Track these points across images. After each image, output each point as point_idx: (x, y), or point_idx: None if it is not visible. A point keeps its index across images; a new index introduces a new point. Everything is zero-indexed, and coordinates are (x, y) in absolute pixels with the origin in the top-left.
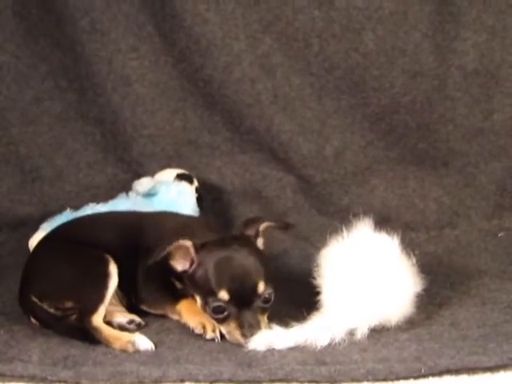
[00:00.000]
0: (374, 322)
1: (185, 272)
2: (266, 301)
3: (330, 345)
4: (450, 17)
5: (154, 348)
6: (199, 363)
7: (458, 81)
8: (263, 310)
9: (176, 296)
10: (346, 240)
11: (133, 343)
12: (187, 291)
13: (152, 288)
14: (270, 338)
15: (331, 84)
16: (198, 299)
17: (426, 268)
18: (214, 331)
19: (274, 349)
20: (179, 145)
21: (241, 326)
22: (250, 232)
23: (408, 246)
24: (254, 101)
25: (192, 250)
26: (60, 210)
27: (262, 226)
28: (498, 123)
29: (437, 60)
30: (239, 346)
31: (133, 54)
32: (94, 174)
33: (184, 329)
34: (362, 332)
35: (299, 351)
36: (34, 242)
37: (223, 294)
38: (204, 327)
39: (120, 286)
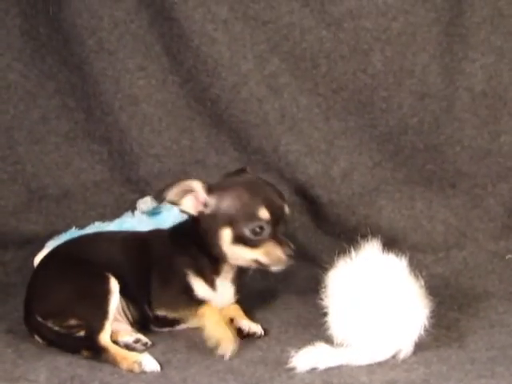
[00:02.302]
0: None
1: (201, 213)
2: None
3: (337, 367)
4: (458, 38)
5: (159, 369)
6: None
7: (465, 102)
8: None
9: (193, 303)
10: (354, 261)
11: (139, 364)
12: (203, 301)
13: (171, 291)
14: (314, 357)
15: (339, 105)
16: (227, 233)
17: (434, 290)
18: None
19: (315, 368)
20: (186, 164)
21: (280, 244)
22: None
23: (415, 267)
24: (261, 121)
25: (203, 191)
26: (66, 229)
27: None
28: (505, 145)
29: (445, 81)
30: (279, 263)
31: (140, 73)
32: (101, 193)
33: (191, 348)
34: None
35: (306, 373)
36: (39, 260)
37: (263, 213)
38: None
39: (129, 300)
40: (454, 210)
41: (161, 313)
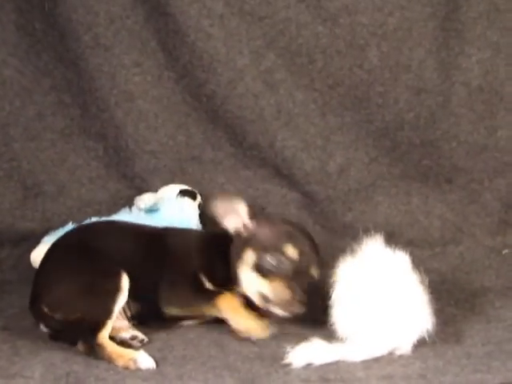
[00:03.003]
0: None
1: (238, 233)
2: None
3: (333, 362)
4: (455, 33)
5: (155, 367)
6: (202, 380)
7: (462, 97)
8: None
9: (207, 295)
10: (357, 256)
11: (135, 361)
12: (218, 291)
13: (183, 289)
14: (309, 353)
15: (335, 100)
16: (250, 256)
17: (430, 285)
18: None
19: (311, 364)
20: (182, 160)
21: (292, 289)
22: None
23: (412, 262)
24: (257, 116)
25: (247, 215)
26: (62, 226)
27: None
28: (502, 140)
29: (441, 76)
30: (285, 305)
31: (136, 69)
32: (97, 190)
33: (187, 345)
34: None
35: (303, 368)
36: (35, 256)
37: (290, 250)
38: (251, 328)
39: (131, 295)
40: (450, 206)
41: (170, 312)
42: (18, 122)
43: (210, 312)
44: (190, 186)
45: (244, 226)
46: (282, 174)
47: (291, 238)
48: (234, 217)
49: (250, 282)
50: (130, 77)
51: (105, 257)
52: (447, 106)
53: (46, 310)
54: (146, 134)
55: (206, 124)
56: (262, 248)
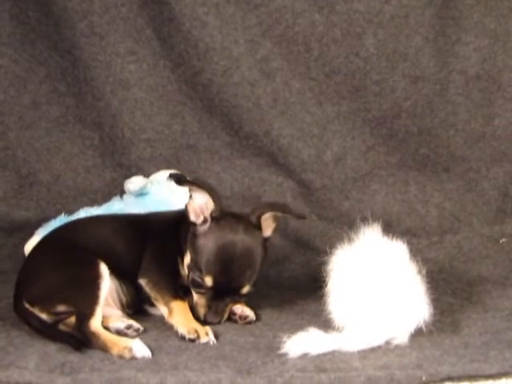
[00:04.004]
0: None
1: (194, 225)
2: (241, 297)
3: (330, 352)
4: (452, 21)
5: (150, 355)
6: (198, 370)
7: (459, 85)
8: (235, 301)
9: (174, 290)
10: (355, 245)
11: (130, 349)
12: (187, 284)
13: (160, 268)
14: (305, 343)
15: (331, 88)
16: (188, 257)
17: (427, 274)
18: (207, 334)
19: (307, 354)
20: (178, 149)
21: (208, 308)
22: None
23: (409, 252)
24: (254, 105)
25: (209, 211)
26: (57, 215)
27: (264, 217)
28: (499, 128)
29: (438, 64)
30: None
31: (131, 57)
32: (92, 179)
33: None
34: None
35: (299, 358)
36: (28, 247)
37: (208, 280)
38: (196, 332)
39: (123, 282)
40: (448, 195)
41: (143, 282)
42: (12, 111)
43: (164, 305)
44: (185, 174)
45: (202, 220)
46: (279, 162)
47: (215, 269)
48: (199, 211)
49: (185, 274)
50: (126, 65)
51: (82, 250)
52: (444, 95)
53: (27, 305)
54: (142, 122)
55: (201, 113)
56: (193, 260)
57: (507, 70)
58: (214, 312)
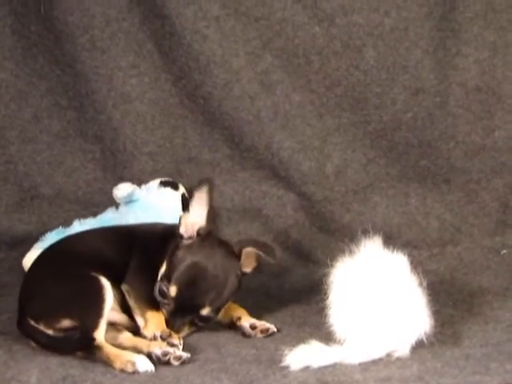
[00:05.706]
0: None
1: (181, 237)
2: (202, 320)
3: (331, 365)
4: (451, 33)
5: (153, 369)
6: (200, 383)
7: (459, 98)
8: (194, 324)
9: (155, 300)
10: (356, 258)
11: (133, 363)
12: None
13: (142, 280)
14: (306, 356)
15: (332, 101)
16: (164, 267)
17: (428, 286)
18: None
19: (309, 367)
20: (179, 162)
21: (167, 322)
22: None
23: (410, 264)
24: (254, 118)
25: (195, 231)
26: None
27: (245, 250)
28: (499, 140)
29: (438, 77)
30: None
31: (133, 71)
32: (94, 192)
33: (185, 348)
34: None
35: (300, 371)
36: (26, 261)
37: (173, 290)
38: (154, 338)
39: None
40: (448, 206)
41: (124, 289)
42: (14, 125)
43: (140, 314)
44: (186, 187)
45: (190, 235)
46: (279, 175)
47: (181, 281)
48: (191, 224)
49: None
50: (127, 79)
51: (80, 266)
52: (444, 107)
53: (31, 322)
54: (143, 136)
55: (202, 126)
56: (166, 270)
57: (507, 82)
58: (172, 327)
